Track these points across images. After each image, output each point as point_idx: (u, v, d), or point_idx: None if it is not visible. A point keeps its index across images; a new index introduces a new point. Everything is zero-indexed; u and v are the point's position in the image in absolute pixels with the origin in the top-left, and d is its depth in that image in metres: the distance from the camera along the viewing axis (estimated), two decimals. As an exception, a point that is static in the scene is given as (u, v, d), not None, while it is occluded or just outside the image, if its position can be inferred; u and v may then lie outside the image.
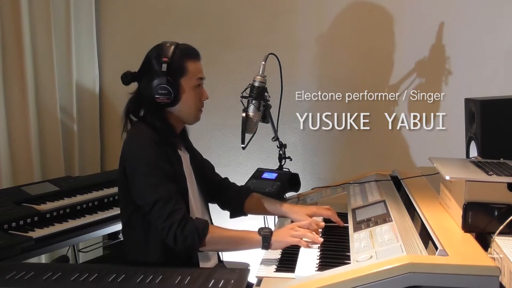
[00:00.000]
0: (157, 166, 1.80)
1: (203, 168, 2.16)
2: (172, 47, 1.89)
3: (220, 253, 2.09)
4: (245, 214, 2.19)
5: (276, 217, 2.29)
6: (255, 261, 1.79)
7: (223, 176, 2.25)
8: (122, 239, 2.81)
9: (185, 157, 2.00)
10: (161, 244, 1.84)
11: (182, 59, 1.89)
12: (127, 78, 1.93)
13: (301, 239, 1.79)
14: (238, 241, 1.81)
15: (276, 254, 1.80)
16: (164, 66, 1.85)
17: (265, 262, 1.73)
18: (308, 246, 1.79)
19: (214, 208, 2.17)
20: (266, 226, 2.35)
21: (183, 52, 1.91)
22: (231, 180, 2.26)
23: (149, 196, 1.77)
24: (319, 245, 1.81)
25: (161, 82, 1.85)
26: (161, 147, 1.84)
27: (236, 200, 2.17)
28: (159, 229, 1.77)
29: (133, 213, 1.88)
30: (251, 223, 2.22)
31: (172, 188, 1.80)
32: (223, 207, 2.22)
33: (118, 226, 2.55)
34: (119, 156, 1.89)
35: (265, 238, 1.77)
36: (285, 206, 2.10)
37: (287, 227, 1.87)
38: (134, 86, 1.97)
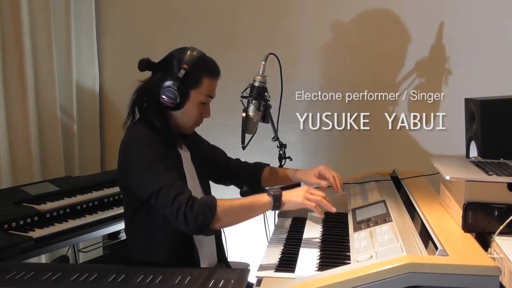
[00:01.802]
0: (159, 160, 1.80)
1: (214, 157, 2.21)
2: (197, 57, 1.90)
3: (221, 250, 2.09)
4: (263, 189, 2.22)
5: (277, 216, 2.30)
6: (255, 261, 1.78)
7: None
8: (122, 239, 2.83)
9: (185, 155, 2.00)
10: (164, 243, 1.84)
11: (201, 72, 1.90)
12: (143, 65, 1.91)
13: (316, 204, 1.79)
14: (249, 207, 1.78)
15: (276, 254, 1.80)
16: (182, 72, 1.86)
17: (265, 262, 1.73)
18: (321, 214, 1.86)
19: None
20: (266, 227, 2.35)
21: (204, 66, 1.92)
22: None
23: (152, 186, 1.75)
24: (319, 244, 1.81)
25: (172, 86, 1.86)
26: (160, 145, 1.84)
27: (252, 178, 2.25)
28: (168, 215, 1.72)
29: (136, 212, 1.88)
30: (250, 222, 2.21)
31: (175, 176, 1.79)
32: (241, 186, 2.27)
33: (118, 226, 2.55)
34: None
35: (276, 198, 1.76)
36: (297, 171, 2.24)
37: (302, 189, 1.84)
38: (134, 87, 1.96)
